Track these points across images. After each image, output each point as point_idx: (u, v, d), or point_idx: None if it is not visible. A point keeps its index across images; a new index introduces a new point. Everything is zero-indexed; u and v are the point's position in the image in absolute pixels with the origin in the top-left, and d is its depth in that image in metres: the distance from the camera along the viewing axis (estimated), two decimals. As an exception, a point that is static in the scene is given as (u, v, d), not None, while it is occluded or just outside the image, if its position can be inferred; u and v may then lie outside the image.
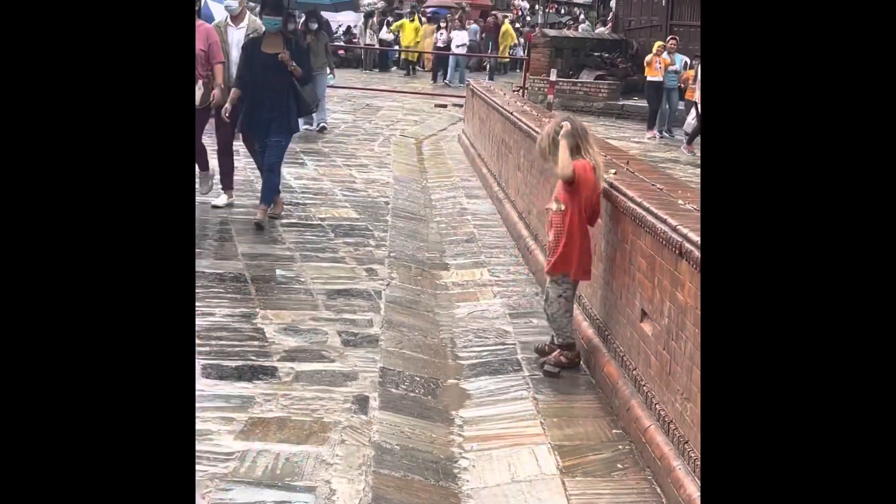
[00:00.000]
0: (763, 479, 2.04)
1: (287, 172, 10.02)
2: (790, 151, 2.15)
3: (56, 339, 1.95)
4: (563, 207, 4.80)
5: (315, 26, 12.97)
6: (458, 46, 23.87)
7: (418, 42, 26.16)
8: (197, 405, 4.09)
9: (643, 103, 16.82)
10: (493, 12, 28.90)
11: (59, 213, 1.99)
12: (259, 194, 7.78)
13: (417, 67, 26.46)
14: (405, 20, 27.03)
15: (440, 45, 24.67)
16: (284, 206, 8.07)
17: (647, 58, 15.54)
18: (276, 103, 7.43)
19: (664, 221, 3.92)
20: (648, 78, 15.40)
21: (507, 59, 27.36)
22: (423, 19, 27.22)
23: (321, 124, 13.40)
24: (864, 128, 2.10)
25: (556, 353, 4.93)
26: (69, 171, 2.01)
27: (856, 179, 2.09)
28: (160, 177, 2.10)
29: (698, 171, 9.33)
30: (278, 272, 6.29)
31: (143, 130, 2.09)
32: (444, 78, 23.87)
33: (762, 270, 2.11)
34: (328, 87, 14.28)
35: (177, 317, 2.07)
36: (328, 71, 13.74)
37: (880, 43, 2.12)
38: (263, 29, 7.65)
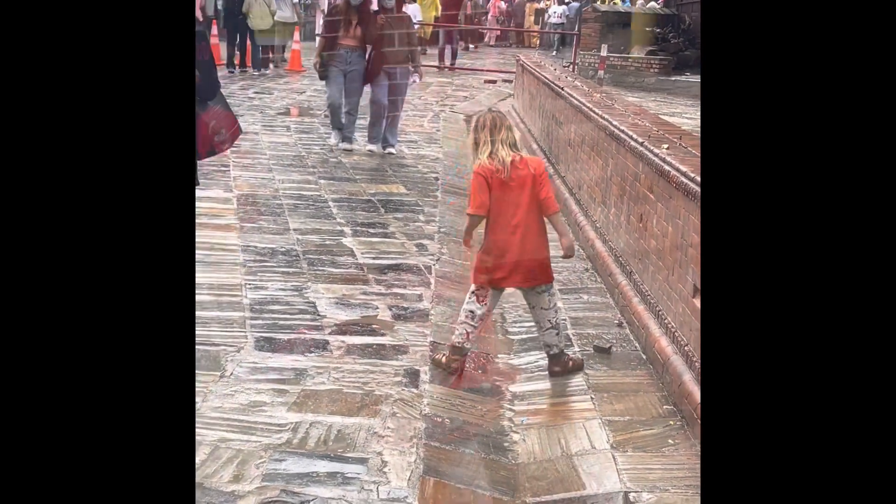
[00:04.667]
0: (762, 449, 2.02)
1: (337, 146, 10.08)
2: (789, 140, 2.11)
3: (54, 330, 1.95)
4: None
5: (391, 3, 9.76)
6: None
7: None
8: (251, 377, 4.18)
9: (695, 79, 16.51)
10: None
11: (60, 212, 1.98)
12: None
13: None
14: None
15: None
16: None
17: None
18: None
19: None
20: None
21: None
22: None
23: (387, 148, 9.91)
24: (866, 131, 2.05)
25: (565, 357, 4.57)
26: (68, 169, 2.01)
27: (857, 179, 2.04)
28: (159, 174, 2.09)
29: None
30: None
31: (141, 128, 2.09)
32: None
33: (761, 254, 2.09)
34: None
35: (176, 310, 2.07)
36: (410, 70, 9.78)
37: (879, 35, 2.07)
38: None
